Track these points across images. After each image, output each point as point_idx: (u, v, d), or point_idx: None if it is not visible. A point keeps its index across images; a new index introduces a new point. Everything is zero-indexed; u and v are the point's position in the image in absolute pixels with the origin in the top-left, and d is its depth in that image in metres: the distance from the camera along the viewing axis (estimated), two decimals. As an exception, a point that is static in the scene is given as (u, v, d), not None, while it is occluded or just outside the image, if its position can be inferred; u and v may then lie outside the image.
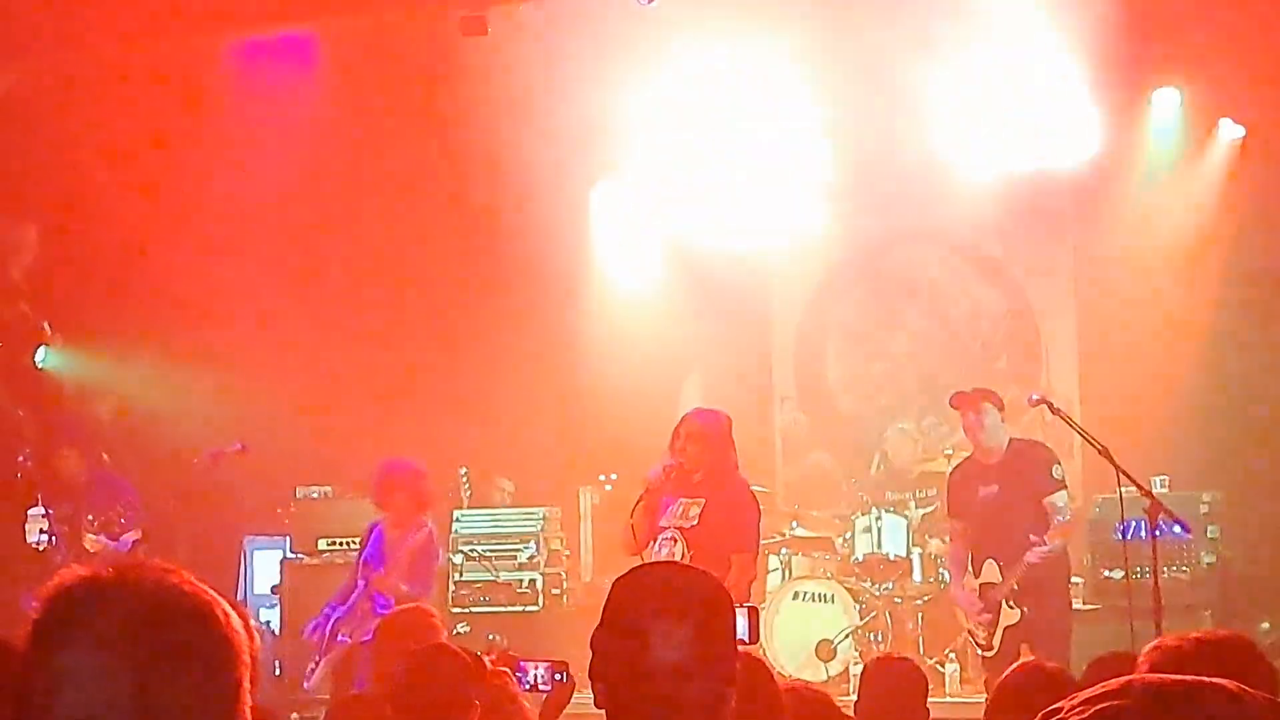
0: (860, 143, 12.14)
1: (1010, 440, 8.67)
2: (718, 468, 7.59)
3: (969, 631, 8.81)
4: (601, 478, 12.07)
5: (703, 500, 7.49)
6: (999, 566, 8.42)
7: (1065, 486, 8.62)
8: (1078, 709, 1.68)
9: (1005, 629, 8.36)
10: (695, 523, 7.45)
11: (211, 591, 1.84)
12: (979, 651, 8.76)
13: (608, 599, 2.57)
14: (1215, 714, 1.66)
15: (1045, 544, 8.30)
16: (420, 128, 11.96)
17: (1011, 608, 8.36)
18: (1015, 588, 8.36)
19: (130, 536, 9.23)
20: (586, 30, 11.01)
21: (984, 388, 8.99)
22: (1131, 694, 1.69)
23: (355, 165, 12.50)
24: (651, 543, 7.52)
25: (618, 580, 2.60)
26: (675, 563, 6.77)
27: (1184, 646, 3.22)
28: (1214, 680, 1.72)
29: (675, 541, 7.42)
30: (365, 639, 8.18)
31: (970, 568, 8.71)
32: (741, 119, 12.17)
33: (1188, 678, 1.73)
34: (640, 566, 2.79)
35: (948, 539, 9.63)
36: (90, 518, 8.98)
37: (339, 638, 8.51)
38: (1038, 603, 8.37)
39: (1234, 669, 2.59)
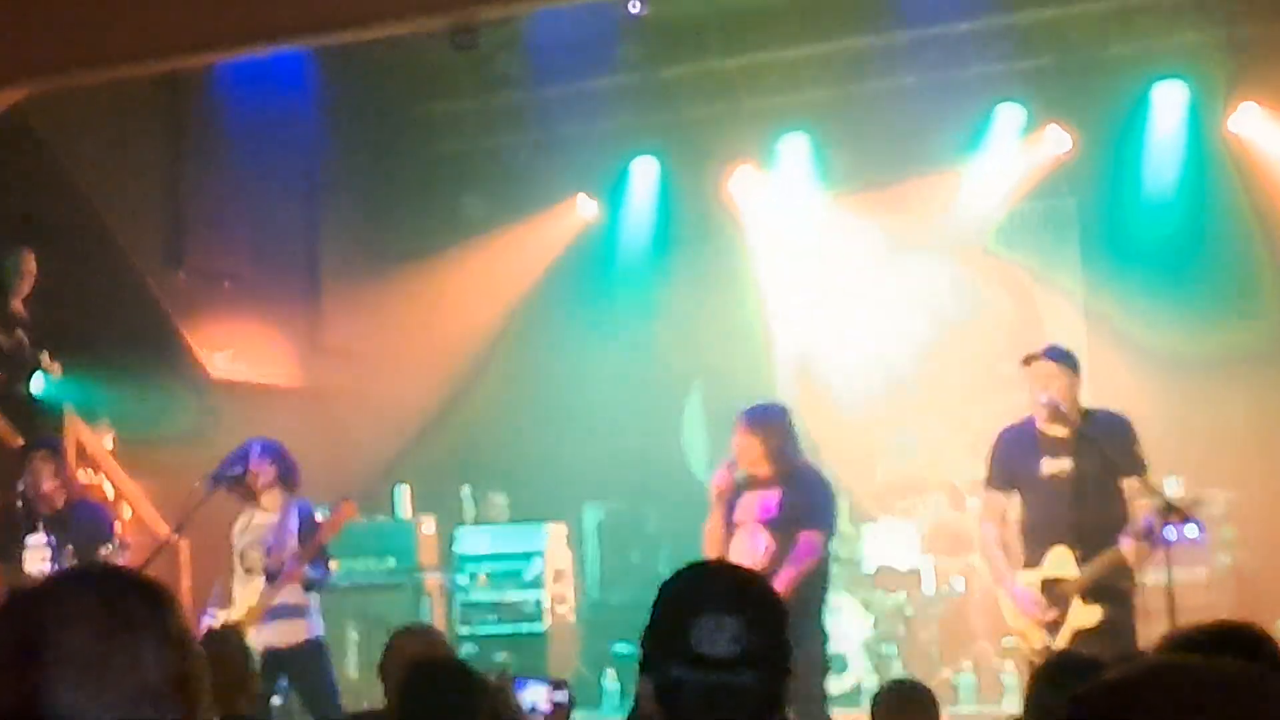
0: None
1: (1085, 410, 7.25)
2: (782, 458, 7.56)
3: (1020, 634, 7.32)
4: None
5: (778, 490, 7.49)
6: (1074, 557, 7.06)
7: (1148, 468, 7.19)
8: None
9: (1076, 631, 7.02)
10: (775, 513, 7.43)
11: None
12: (1034, 658, 7.06)
13: (655, 601, 2.56)
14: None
15: (1160, 531, 6.84)
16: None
17: (1089, 605, 7.01)
18: (1095, 582, 7.02)
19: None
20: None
21: (1058, 345, 7.49)
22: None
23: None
24: (732, 540, 7.46)
25: (664, 584, 2.59)
26: (721, 560, 6.80)
27: (1196, 635, 3.11)
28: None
29: (757, 535, 7.40)
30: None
31: (1024, 556, 7.32)
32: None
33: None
34: (684, 567, 2.75)
35: (983, 521, 7.77)
36: (70, 548, 8.75)
37: None
38: (1117, 602, 7.05)
39: (1249, 656, 2.50)
